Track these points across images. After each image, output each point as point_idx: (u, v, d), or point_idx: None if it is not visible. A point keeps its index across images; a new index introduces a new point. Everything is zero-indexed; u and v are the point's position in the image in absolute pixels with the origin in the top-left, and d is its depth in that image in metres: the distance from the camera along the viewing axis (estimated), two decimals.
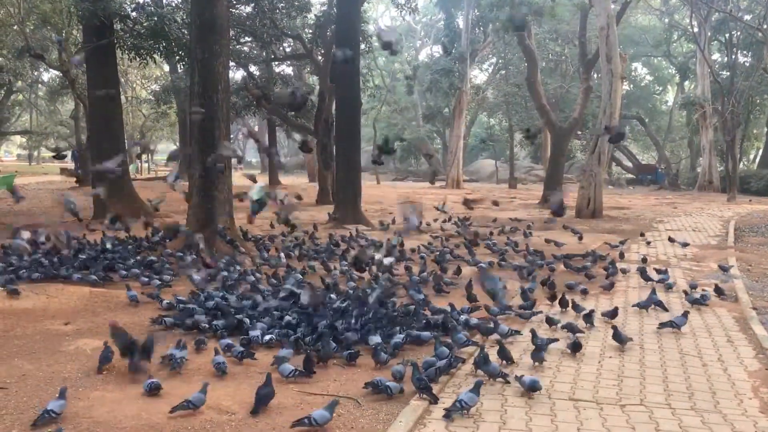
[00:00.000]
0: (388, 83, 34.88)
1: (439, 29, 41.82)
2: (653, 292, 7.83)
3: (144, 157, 43.08)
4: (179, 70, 26.28)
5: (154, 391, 4.74)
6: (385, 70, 44.43)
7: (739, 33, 32.12)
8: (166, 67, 34.46)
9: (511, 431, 4.31)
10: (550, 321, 6.72)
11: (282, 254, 10.64)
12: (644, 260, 10.62)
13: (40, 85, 40.33)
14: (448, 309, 6.93)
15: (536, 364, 5.52)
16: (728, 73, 32.31)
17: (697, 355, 6.01)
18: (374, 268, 8.76)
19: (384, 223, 15.23)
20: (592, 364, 5.66)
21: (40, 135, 45.65)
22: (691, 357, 5.93)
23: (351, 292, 7.70)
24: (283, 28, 22.10)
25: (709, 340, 6.48)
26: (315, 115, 23.93)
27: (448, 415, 4.41)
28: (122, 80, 27.72)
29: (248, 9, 21.16)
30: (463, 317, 6.65)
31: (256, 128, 53.48)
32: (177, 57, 18.43)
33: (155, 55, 18.16)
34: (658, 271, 9.55)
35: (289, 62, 29.80)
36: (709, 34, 31.88)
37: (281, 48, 26.30)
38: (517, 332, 6.30)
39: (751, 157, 45.50)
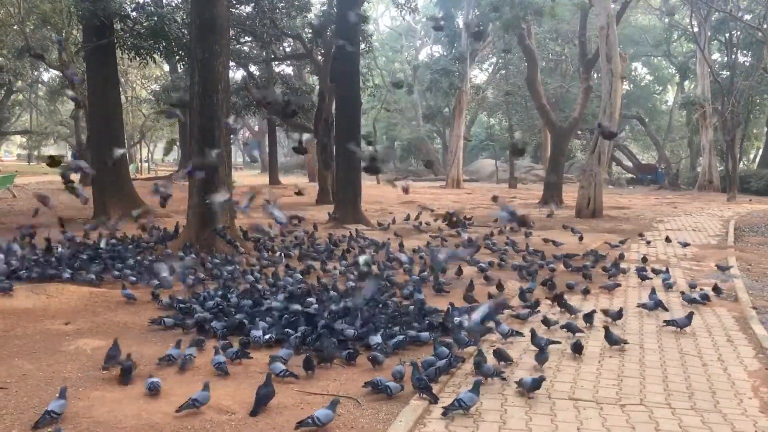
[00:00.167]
0: (387, 83, 34.80)
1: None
2: (653, 291, 7.84)
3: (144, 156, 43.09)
4: (179, 70, 26.29)
5: (154, 390, 4.74)
6: (385, 69, 44.41)
7: (739, 33, 32.11)
8: (166, 67, 34.48)
9: (511, 431, 4.31)
10: (546, 322, 6.72)
11: (281, 253, 10.65)
12: (644, 260, 10.62)
13: (40, 85, 40.34)
14: (441, 309, 6.95)
15: (540, 366, 5.46)
16: (728, 73, 32.30)
17: (697, 354, 6.00)
18: (375, 268, 8.76)
19: (382, 224, 15.23)
20: (592, 364, 5.65)
21: (40, 135, 45.65)
22: (691, 357, 5.93)
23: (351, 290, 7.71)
24: (283, 28, 22.10)
25: (709, 340, 6.48)
26: (315, 114, 23.92)
27: (446, 413, 4.42)
28: (122, 80, 27.69)
29: (248, 9, 21.16)
30: (457, 319, 6.61)
31: (256, 128, 53.65)
32: (177, 57, 18.45)
33: (155, 55, 18.18)
34: (656, 271, 9.55)
35: (289, 62, 29.81)
36: (709, 33, 31.88)
37: (281, 48, 26.30)
38: (519, 333, 6.28)
39: (751, 156, 45.51)
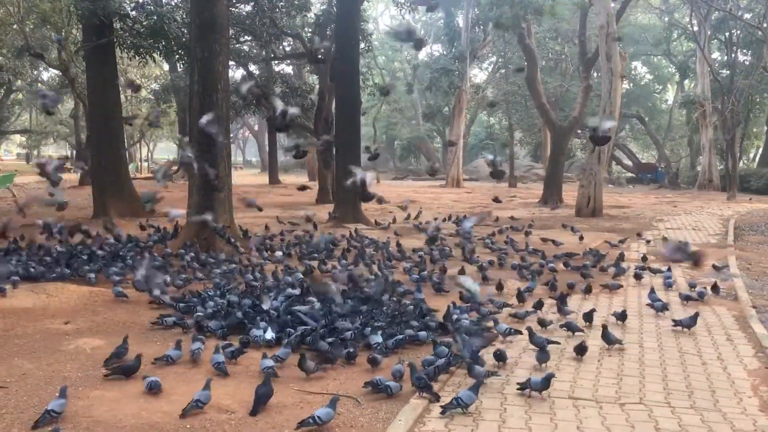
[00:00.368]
0: (387, 82, 34.80)
1: (439, 27, 41.76)
2: (652, 291, 7.83)
3: (143, 156, 43.04)
4: (179, 69, 26.27)
5: (154, 389, 4.75)
6: (385, 69, 44.40)
7: (738, 32, 32.09)
8: (166, 66, 34.42)
9: (510, 430, 4.31)
10: (542, 323, 6.69)
11: (281, 253, 10.65)
12: (644, 259, 10.63)
13: (39, 84, 40.26)
14: (436, 309, 6.98)
15: (541, 365, 5.46)
16: (728, 72, 32.31)
17: (696, 353, 6.01)
18: (375, 267, 8.75)
19: (382, 223, 15.22)
20: (591, 363, 5.66)
21: (39, 134, 45.63)
22: (691, 355, 5.94)
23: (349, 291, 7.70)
24: (282, 27, 22.09)
25: (708, 339, 6.48)
26: (315, 114, 23.91)
27: (445, 412, 4.42)
28: (122, 79, 27.65)
29: (248, 8, 21.14)
30: (455, 317, 6.61)
31: (257, 127, 53.60)
32: (176, 56, 18.45)
33: (155, 54, 18.18)
34: (656, 271, 9.55)
35: (288, 61, 29.78)
36: (708, 32, 31.86)
37: (281, 47, 26.28)
38: (517, 332, 6.29)
39: (751, 155, 45.50)
